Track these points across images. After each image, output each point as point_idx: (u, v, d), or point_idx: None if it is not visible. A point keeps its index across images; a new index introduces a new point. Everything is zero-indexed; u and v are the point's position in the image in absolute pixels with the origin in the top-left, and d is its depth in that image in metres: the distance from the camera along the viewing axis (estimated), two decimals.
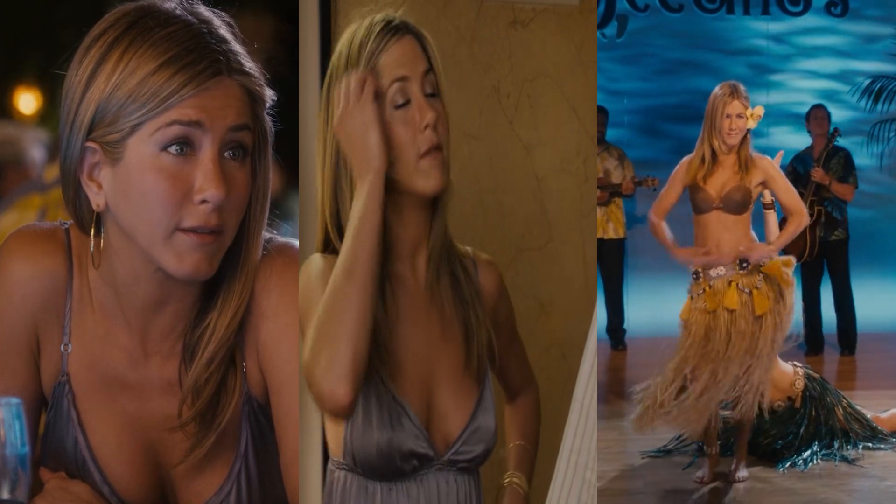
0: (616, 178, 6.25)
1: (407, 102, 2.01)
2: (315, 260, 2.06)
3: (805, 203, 5.99)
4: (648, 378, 4.33)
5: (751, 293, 4.13)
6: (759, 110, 4.16)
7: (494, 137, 3.24)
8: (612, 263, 6.40)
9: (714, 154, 4.18)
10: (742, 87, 4.20)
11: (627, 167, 6.30)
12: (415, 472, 2.08)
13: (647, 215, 4.48)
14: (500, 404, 2.20)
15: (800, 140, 6.32)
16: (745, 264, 4.15)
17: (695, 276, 4.24)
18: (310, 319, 1.96)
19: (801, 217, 4.34)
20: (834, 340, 6.42)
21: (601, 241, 6.30)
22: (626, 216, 6.46)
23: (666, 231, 4.36)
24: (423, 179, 2.01)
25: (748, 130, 4.16)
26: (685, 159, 4.28)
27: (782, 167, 4.53)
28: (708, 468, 4.38)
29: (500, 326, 2.25)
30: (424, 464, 2.08)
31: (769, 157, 4.29)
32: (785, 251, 5.81)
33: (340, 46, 2.06)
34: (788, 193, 4.32)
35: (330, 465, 2.13)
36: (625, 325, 6.51)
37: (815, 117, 6.25)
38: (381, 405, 2.03)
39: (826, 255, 6.29)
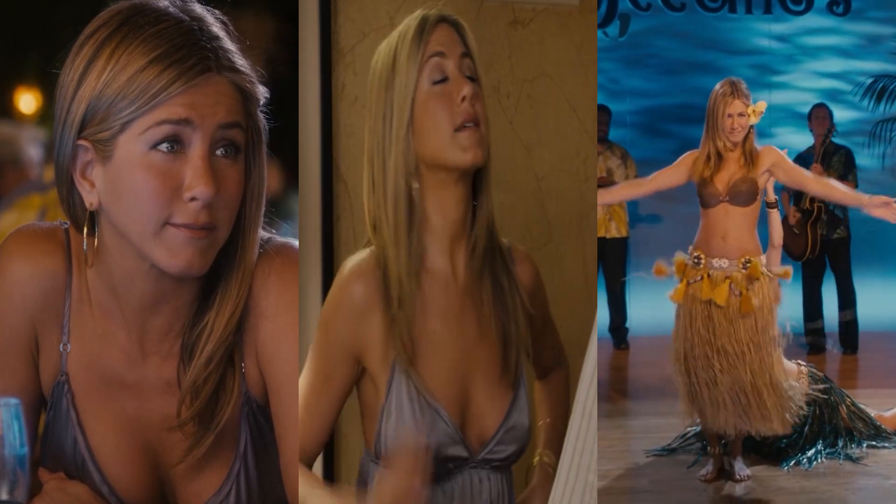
0: (619, 177, 6.24)
1: (444, 80, 2.02)
2: (343, 277, 2.08)
3: (804, 202, 5.97)
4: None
5: (740, 294, 4.13)
6: (761, 106, 4.14)
7: (494, 137, 3.21)
8: (615, 262, 6.40)
9: (719, 152, 4.18)
10: (742, 85, 4.17)
11: (630, 166, 6.30)
12: (450, 474, 2.09)
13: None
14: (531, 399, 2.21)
15: (804, 140, 6.32)
16: (748, 265, 4.14)
17: (696, 260, 4.23)
18: (325, 335, 2.05)
19: (817, 180, 4.39)
20: (836, 339, 6.43)
21: (604, 239, 6.30)
22: (629, 215, 6.46)
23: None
24: (460, 152, 2.00)
25: (751, 126, 4.16)
26: (692, 153, 4.27)
27: None
28: (712, 466, 4.38)
29: (535, 317, 2.25)
30: (459, 464, 2.09)
31: (774, 147, 4.29)
32: (786, 251, 5.81)
33: (377, 55, 2.09)
34: (797, 172, 4.34)
35: (364, 456, 2.15)
36: (627, 324, 6.51)
37: (817, 116, 6.24)
38: (413, 408, 2.04)
39: (828, 254, 6.30)
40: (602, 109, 6.28)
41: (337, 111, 3.09)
